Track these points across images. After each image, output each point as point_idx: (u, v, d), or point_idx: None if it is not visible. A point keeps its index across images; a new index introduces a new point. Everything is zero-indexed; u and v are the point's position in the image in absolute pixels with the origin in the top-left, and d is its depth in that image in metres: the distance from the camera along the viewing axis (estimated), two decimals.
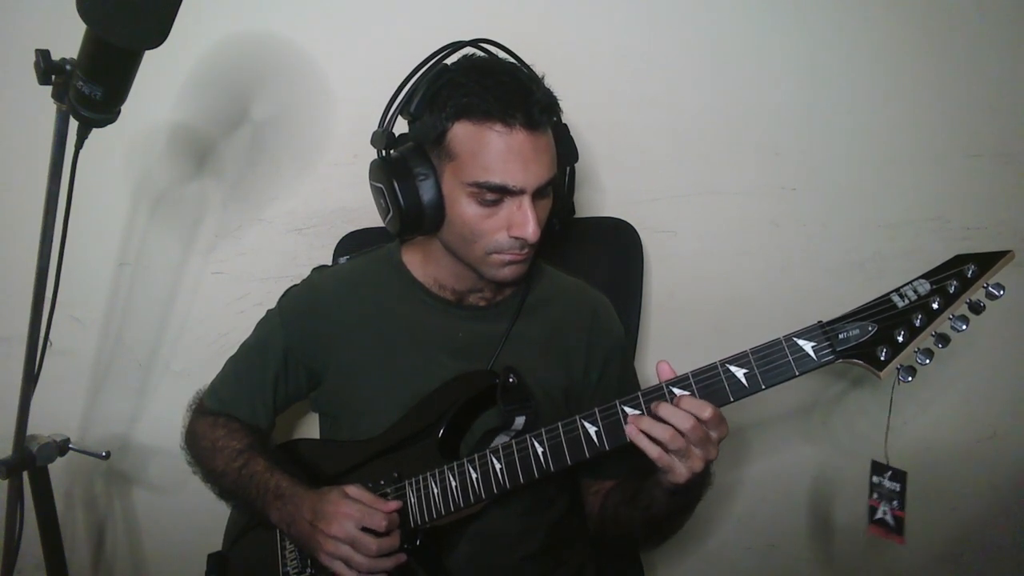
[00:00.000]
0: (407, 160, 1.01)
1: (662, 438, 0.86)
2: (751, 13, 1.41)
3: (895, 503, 0.94)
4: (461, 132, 0.97)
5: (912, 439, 1.60)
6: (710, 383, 0.88)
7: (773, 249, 1.52)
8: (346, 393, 1.14)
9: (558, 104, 1.02)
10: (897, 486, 0.94)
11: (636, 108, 1.45)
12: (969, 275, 0.81)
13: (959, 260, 0.83)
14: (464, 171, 0.98)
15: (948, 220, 1.51)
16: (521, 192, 0.98)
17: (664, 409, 0.86)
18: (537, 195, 1.00)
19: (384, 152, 1.04)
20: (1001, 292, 0.81)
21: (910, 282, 0.84)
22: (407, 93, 1.03)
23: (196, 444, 1.18)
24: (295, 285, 1.21)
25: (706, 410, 0.85)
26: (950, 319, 0.82)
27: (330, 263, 1.36)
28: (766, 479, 1.64)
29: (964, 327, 0.82)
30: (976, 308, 0.82)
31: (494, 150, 0.96)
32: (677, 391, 0.89)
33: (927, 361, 0.84)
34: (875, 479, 0.95)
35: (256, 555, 1.15)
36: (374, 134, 1.06)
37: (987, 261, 0.81)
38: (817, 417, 1.61)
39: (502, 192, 0.98)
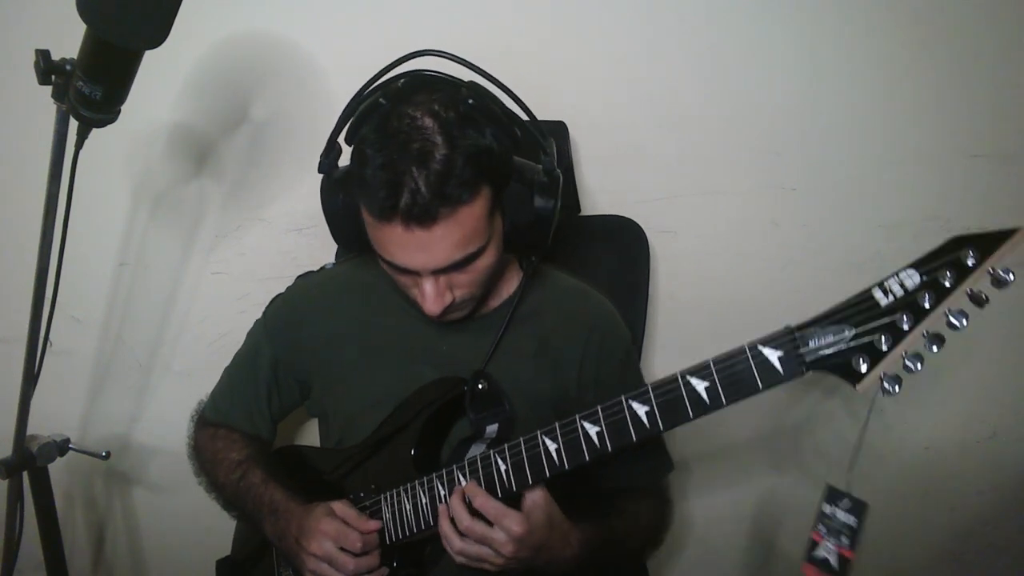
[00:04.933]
0: (339, 188, 0.96)
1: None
2: (751, 13, 1.41)
3: (844, 540, 0.77)
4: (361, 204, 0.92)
5: (912, 439, 1.60)
6: (669, 397, 0.81)
7: (773, 249, 1.52)
8: (332, 404, 1.14)
9: (476, 172, 0.87)
10: (853, 520, 0.77)
11: (636, 109, 1.44)
12: (969, 263, 0.68)
13: (955, 244, 0.70)
14: (370, 236, 0.94)
15: (948, 220, 1.50)
16: (417, 273, 0.93)
17: (452, 501, 0.91)
18: (451, 268, 0.92)
19: (328, 173, 0.99)
20: (1011, 277, 0.65)
21: (895, 273, 0.72)
22: (343, 119, 0.96)
23: (199, 456, 1.19)
24: (280, 294, 1.20)
25: (463, 520, 0.89)
26: (947, 314, 0.68)
27: (329, 263, 1.35)
28: (761, 483, 1.64)
29: (964, 323, 0.68)
30: (979, 300, 0.67)
31: (381, 234, 0.90)
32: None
33: (917, 366, 0.69)
34: (827, 508, 0.79)
35: (259, 559, 1.16)
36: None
37: (990, 243, 0.68)
38: (807, 423, 1.61)
39: (401, 269, 0.93)
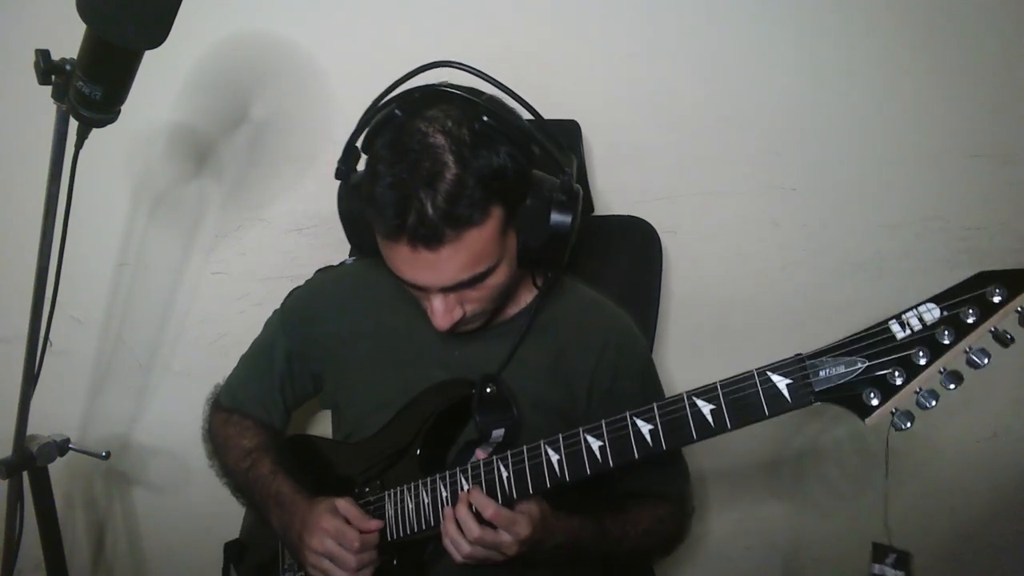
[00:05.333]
0: (354, 196, 0.96)
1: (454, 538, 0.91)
2: (751, 13, 1.41)
3: None
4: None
5: (912, 439, 1.60)
6: (674, 417, 0.81)
7: (773, 249, 1.52)
8: (344, 399, 1.15)
9: (486, 193, 0.86)
10: (901, 574, 0.77)
11: (636, 109, 1.44)
12: (994, 300, 0.66)
13: (981, 280, 0.67)
14: (380, 249, 0.94)
15: (948, 220, 1.51)
16: (426, 289, 0.93)
17: (459, 510, 0.91)
18: (460, 286, 0.91)
19: (345, 180, 0.99)
20: None
21: (915, 307, 0.69)
22: (359, 128, 0.95)
23: (212, 440, 1.20)
24: (298, 287, 1.21)
25: (474, 531, 0.89)
26: (967, 351, 0.66)
27: (349, 259, 1.34)
28: (763, 484, 1.64)
29: (985, 362, 0.65)
30: (1003, 339, 0.65)
31: (389, 251, 0.91)
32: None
33: (932, 403, 0.68)
34: (876, 568, 0.79)
35: (265, 545, 1.17)
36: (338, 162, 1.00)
37: (1018, 281, 0.65)
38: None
39: (411, 285, 0.94)
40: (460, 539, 0.91)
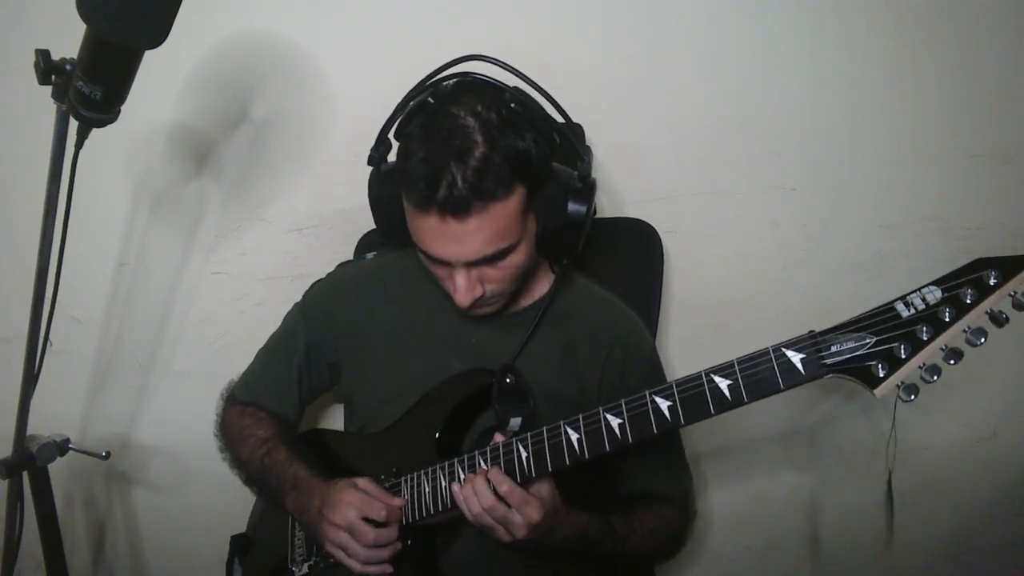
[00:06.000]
0: (385, 181, 1.01)
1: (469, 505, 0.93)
2: (751, 13, 1.41)
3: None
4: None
5: (912, 439, 1.60)
6: (692, 394, 0.84)
7: (773, 249, 1.52)
8: (360, 389, 1.17)
9: (511, 171, 0.91)
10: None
11: (636, 109, 1.44)
12: (991, 282, 0.72)
13: (978, 265, 0.73)
14: (409, 226, 0.99)
15: (948, 220, 1.51)
16: (450, 264, 0.97)
17: (476, 480, 0.92)
18: (483, 262, 0.96)
19: (377, 166, 1.04)
20: None
21: (918, 289, 0.75)
22: (394, 116, 1.01)
23: (226, 432, 1.21)
24: (319, 280, 1.24)
25: (488, 500, 0.91)
26: (965, 331, 0.72)
27: (370, 254, 1.35)
28: (765, 485, 1.64)
29: (982, 341, 0.71)
30: (998, 319, 0.71)
31: (419, 224, 0.95)
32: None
33: (934, 378, 0.73)
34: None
35: (272, 541, 1.18)
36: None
37: (1013, 266, 0.71)
38: (822, 425, 1.61)
39: (436, 259, 0.97)
40: (473, 498, 0.93)
